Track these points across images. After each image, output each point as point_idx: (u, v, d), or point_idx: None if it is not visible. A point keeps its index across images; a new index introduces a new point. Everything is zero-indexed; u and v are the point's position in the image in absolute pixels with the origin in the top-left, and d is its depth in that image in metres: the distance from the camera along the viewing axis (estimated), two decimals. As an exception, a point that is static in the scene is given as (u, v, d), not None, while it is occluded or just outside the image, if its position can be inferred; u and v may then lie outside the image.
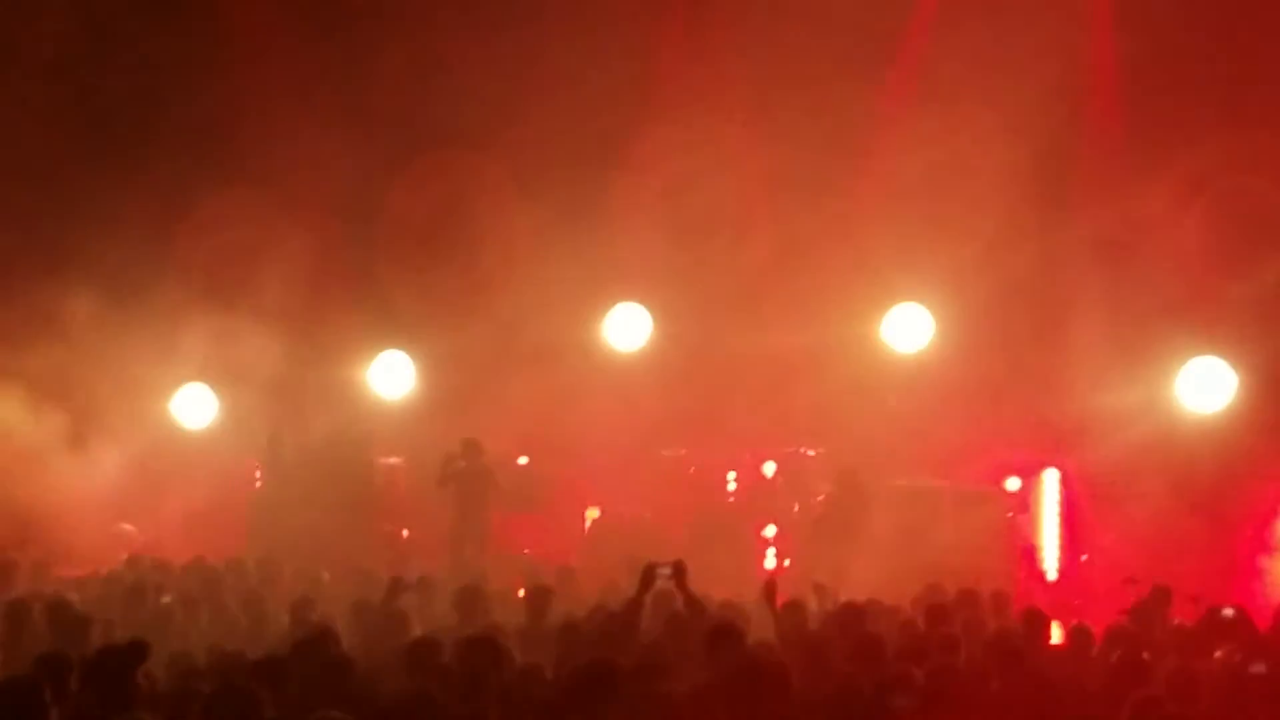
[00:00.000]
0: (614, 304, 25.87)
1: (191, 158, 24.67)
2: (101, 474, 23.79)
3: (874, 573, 21.30)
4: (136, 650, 10.44)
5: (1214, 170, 23.24)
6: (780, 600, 14.27)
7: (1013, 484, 23.38)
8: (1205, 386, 23.50)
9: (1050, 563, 23.63)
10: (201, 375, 25.79)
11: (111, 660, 10.31)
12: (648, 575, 13.32)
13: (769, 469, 24.65)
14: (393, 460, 25.30)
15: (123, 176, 24.97)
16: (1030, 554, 23.22)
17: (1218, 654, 13.30)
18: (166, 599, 16.23)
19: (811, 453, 24.31)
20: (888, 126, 24.68)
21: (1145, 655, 12.49)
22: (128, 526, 24.10)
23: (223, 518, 23.93)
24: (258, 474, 25.34)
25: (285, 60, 25.48)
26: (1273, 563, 22.38)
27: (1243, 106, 22.87)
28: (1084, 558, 23.32)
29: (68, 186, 25.18)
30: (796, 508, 23.67)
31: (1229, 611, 14.58)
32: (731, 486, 24.97)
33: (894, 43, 24.65)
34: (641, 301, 25.80)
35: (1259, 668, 11.91)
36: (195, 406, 25.86)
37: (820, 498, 23.36)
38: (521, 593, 17.61)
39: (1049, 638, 14.73)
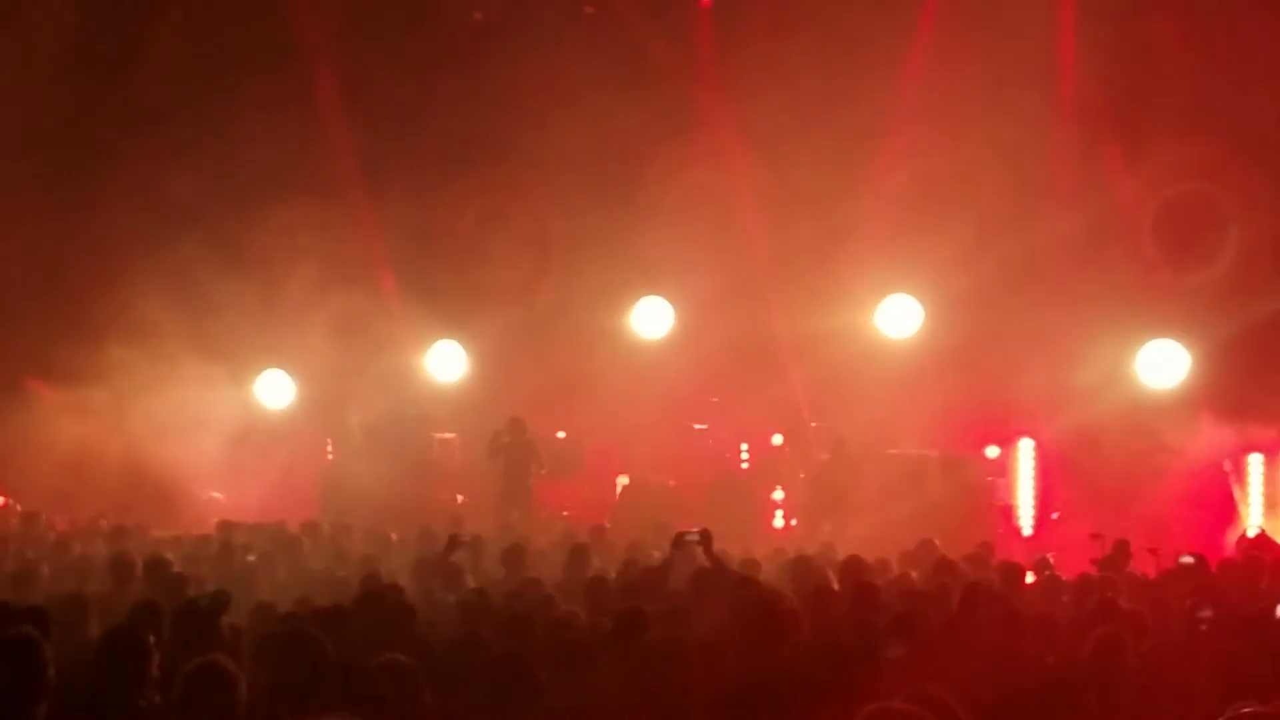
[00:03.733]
0: (640, 297, 25.82)
1: (269, 173, 24.64)
2: (195, 449, 23.83)
3: (868, 530, 21.31)
4: (219, 600, 10.39)
5: (1170, 176, 23.11)
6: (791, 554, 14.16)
7: (992, 451, 23.30)
8: (1161, 365, 23.40)
9: (1025, 520, 23.55)
10: (281, 363, 25.87)
11: (198, 609, 10.27)
12: (678, 541, 13.26)
13: (777, 440, 24.59)
14: (448, 435, 25.25)
15: (208, 186, 25.03)
16: (1007, 513, 23.14)
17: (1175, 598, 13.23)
18: (251, 557, 16.19)
19: (814, 425, 24.20)
20: (882, 141, 24.58)
21: (1108, 599, 12.40)
22: (217, 494, 24.13)
23: (300, 486, 23.98)
24: (329, 448, 25.35)
25: (351, 86, 25.44)
26: (1219, 518, 22.27)
27: (1195, 121, 22.70)
28: (1055, 516, 23.21)
29: (159, 194, 25.17)
30: (802, 474, 23.57)
31: (1188, 559, 14.50)
32: (744, 456, 24.89)
33: (889, 67, 24.52)
34: (664, 295, 25.76)
35: (1206, 612, 11.83)
36: (276, 390, 25.90)
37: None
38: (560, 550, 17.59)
39: (1024, 586, 14.63)
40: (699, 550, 13.10)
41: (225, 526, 18.59)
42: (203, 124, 24.69)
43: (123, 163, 25.25)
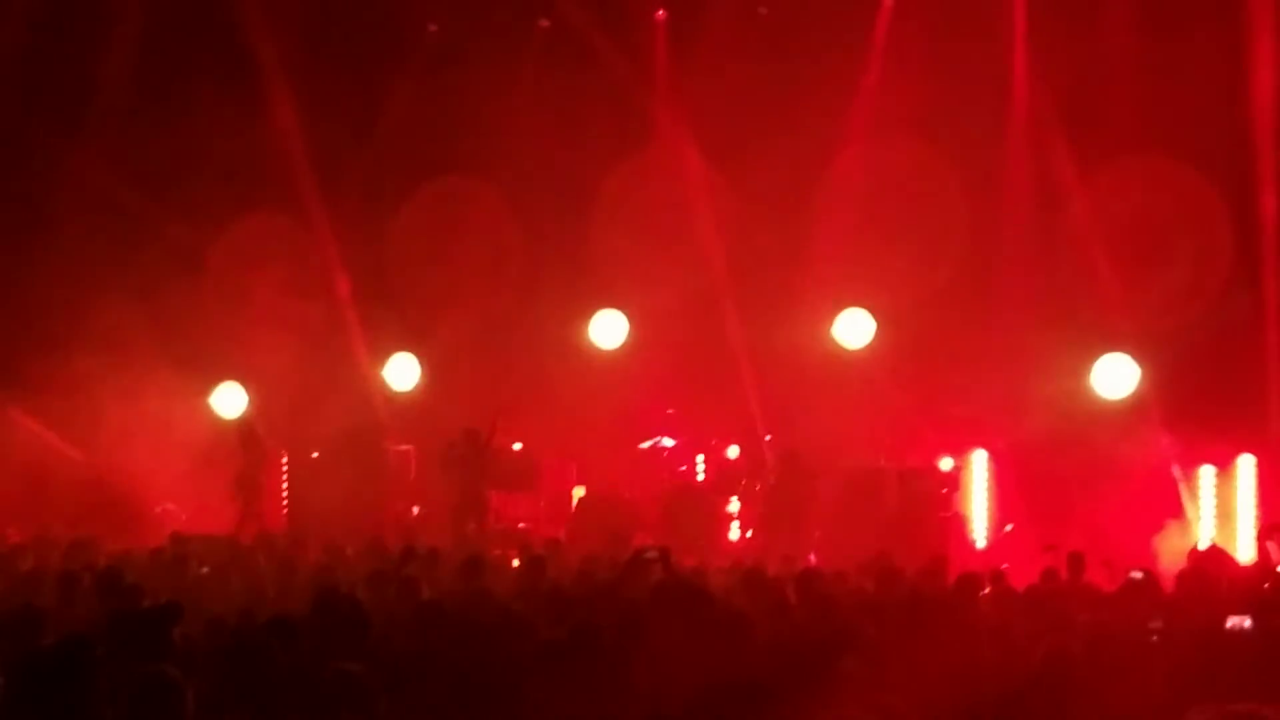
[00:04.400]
0: (597, 309, 25.80)
1: (227, 183, 24.57)
2: (150, 461, 23.69)
3: (824, 542, 21.34)
4: (171, 611, 10.32)
5: (1121, 191, 23.20)
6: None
7: (946, 463, 23.32)
8: (1113, 378, 23.48)
9: (979, 532, 23.58)
10: (237, 375, 25.73)
11: (148, 621, 10.19)
12: (636, 560, 13.24)
13: (732, 452, 24.57)
14: (404, 447, 25.18)
15: (164, 199, 24.94)
16: (961, 524, 23.16)
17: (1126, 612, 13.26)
18: (204, 570, 16.08)
19: (769, 438, 24.19)
20: (838, 153, 24.65)
21: (1061, 610, 12.42)
22: (171, 506, 23.99)
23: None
24: (284, 460, 25.24)
25: (308, 97, 25.35)
26: (1170, 532, 22.34)
27: (1149, 134, 22.81)
28: (1008, 528, 23.25)
29: (113, 210, 25.07)
30: (757, 486, 23.56)
31: (1138, 574, 14.52)
32: (700, 468, 24.87)
33: (846, 80, 24.61)
34: (621, 307, 25.74)
35: (1156, 624, 11.87)
36: (231, 402, 25.76)
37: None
38: (516, 562, 17.55)
39: (979, 598, 14.64)
40: (656, 565, 13.09)
41: (178, 539, 18.47)
42: (158, 134, 24.54)
43: (76, 174, 25.13)
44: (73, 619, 10.94)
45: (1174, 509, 22.64)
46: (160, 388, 24.03)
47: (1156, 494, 22.71)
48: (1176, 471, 22.65)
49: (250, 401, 25.56)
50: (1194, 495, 22.74)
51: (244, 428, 24.15)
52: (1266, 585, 16.08)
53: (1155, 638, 11.65)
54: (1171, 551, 20.59)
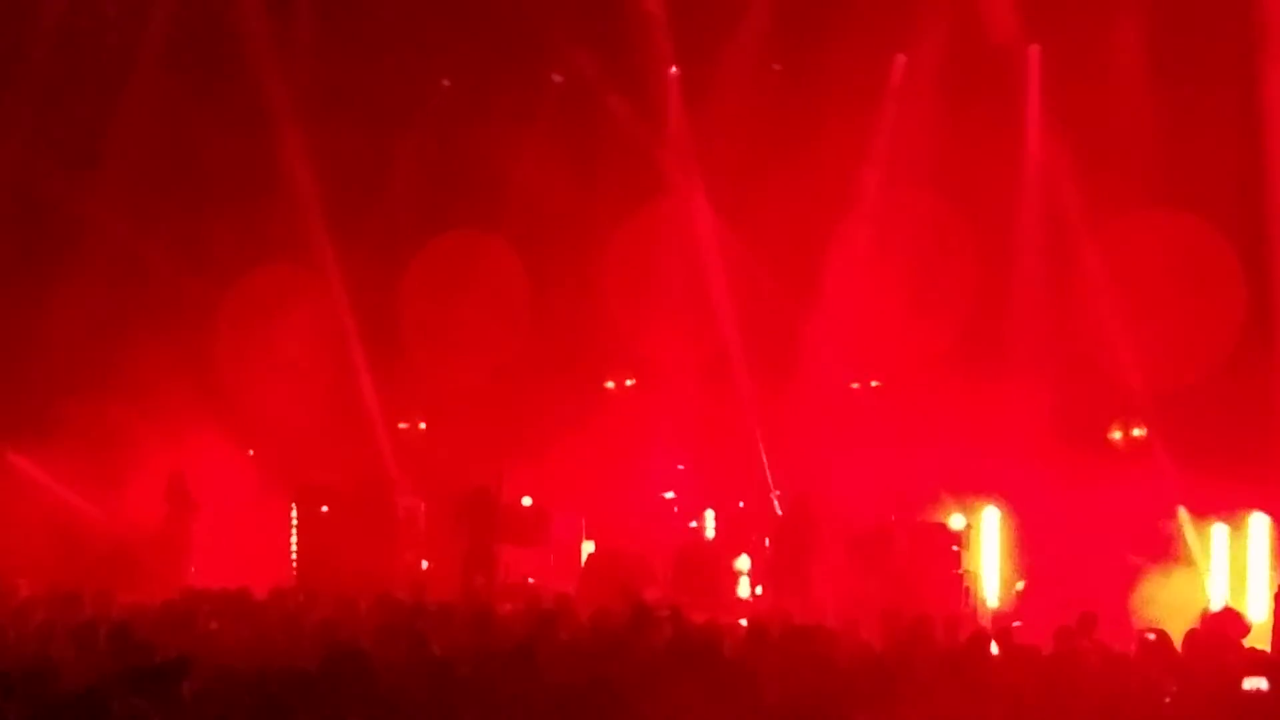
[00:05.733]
0: (606, 363, 25.85)
1: (234, 233, 24.71)
2: (157, 514, 23.75)
3: (832, 598, 21.30)
4: (180, 666, 10.36)
5: (1134, 246, 23.24)
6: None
7: (957, 520, 23.29)
8: (1125, 436, 23.44)
9: (990, 590, 23.52)
10: (247, 427, 25.77)
11: (158, 675, 10.23)
12: (643, 616, 13.27)
13: (742, 508, 24.55)
14: (413, 501, 25.19)
15: (180, 254, 25.09)
16: (972, 582, 23.10)
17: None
18: (213, 625, 16.09)
19: (777, 493, 24.18)
20: (850, 210, 24.73)
21: (1073, 672, 12.40)
22: (183, 560, 23.98)
23: (265, 551, 23.90)
24: (294, 514, 25.25)
25: (321, 150, 25.46)
26: (1179, 590, 22.25)
27: (1159, 192, 22.87)
28: (1020, 586, 23.18)
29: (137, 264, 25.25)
30: (766, 542, 23.54)
31: (1151, 635, 14.49)
32: (710, 523, 24.86)
33: (858, 136, 24.69)
34: (630, 362, 25.78)
35: (1171, 686, 11.84)
36: (242, 454, 25.78)
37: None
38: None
39: (989, 656, 14.61)
40: (667, 622, 13.13)
41: (189, 593, 18.48)
42: (173, 195, 24.73)
43: (92, 235, 25.28)
44: (86, 672, 10.96)
45: (1184, 567, 22.55)
46: (174, 440, 24.11)
47: (1166, 552, 22.63)
48: (1188, 529, 22.57)
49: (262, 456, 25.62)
50: (1205, 554, 22.67)
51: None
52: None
53: (1169, 700, 11.62)
54: (1182, 610, 20.51)
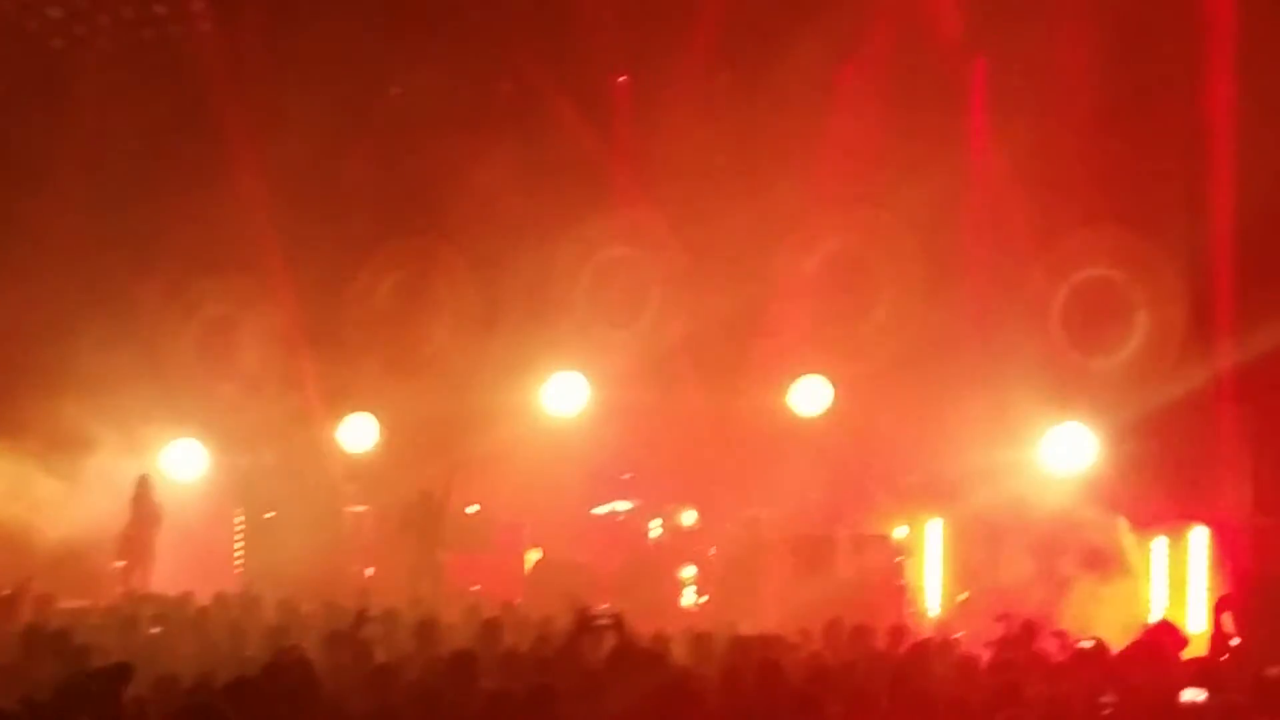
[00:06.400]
0: (554, 372, 25.81)
1: (192, 247, 24.66)
2: (101, 518, 23.61)
3: (778, 608, 21.34)
4: (120, 672, 10.31)
5: (1076, 261, 23.39)
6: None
7: (901, 531, 23.38)
8: (1066, 448, 23.56)
9: (933, 601, 23.62)
10: (192, 432, 25.67)
11: (98, 682, 10.17)
12: (583, 620, 13.23)
13: (688, 518, 24.57)
14: (359, 508, 25.13)
15: (133, 260, 25.00)
16: (915, 593, 23.19)
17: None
18: (156, 630, 16.01)
19: (725, 502, 24.21)
20: (798, 220, 24.80)
21: (1014, 681, 12.45)
22: (122, 563, 23.85)
23: (210, 557, 23.81)
24: (238, 520, 25.16)
25: (270, 160, 25.37)
26: (1119, 601, 22.39)
27: (1104, 208, 23.03)
28: (962, 596, 23.28)
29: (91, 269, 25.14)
30: (712, 551, 23.58)
31: (1088, 643, 14.57)
32: (655, 533, 24.85)
33: (806, 146, 24.75)
34: (579, 370, 25.74)
35: (1108, 697, 11.90)
36: (186, 460, 25.67)
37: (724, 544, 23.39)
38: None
39: (932, 667, 14.67)
40: (610, 631, 13.11)
41: (131, 598, 18.39)
42: (126, 201, 24.64)
43: (47, 240, 25.15)
44: (33, 677, 10.90)
45: (1124, 579, 22.69)
46: (113, 445, 24.02)
47: (1107, 563, 22.76)
48: (1127, 541, 22.71)
49: (208, 460, 25.52)
50: (1145, 565, 22.81)
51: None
52: (1222, 659, 16.13)
53: (1108, 710, 11.69)
54: (1122, 621, 20.63)
